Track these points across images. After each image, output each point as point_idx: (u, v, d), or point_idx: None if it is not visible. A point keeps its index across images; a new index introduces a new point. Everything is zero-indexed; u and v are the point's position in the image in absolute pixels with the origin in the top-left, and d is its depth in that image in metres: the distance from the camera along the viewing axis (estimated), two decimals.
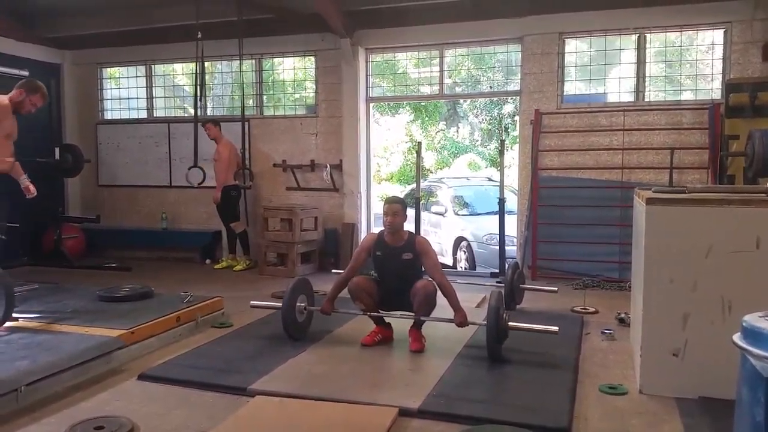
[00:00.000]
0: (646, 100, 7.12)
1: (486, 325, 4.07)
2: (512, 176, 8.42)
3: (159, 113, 9.23)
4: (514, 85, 7.75)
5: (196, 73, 7.78)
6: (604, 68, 7.35)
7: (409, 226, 4.84)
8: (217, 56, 8.52)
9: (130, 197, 9.18)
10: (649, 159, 6.95)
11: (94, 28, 8.67)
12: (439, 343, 4.47)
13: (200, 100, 8.07)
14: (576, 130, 7.19)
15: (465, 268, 8.88)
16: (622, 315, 5.15)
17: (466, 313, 4.32)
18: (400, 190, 16.10)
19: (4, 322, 4.38)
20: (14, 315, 4.58)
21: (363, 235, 7.90)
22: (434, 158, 18.56)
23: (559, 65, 7.24)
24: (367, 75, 8.16)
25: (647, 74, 7.13)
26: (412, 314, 4.40)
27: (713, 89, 6.92)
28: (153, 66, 9.17)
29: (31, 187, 4.94)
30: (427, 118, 18.22)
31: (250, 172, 8.15)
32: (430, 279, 4.40)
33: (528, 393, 3.56)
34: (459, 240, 9.22)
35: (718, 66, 6.85)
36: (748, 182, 5.10)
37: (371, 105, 8.42)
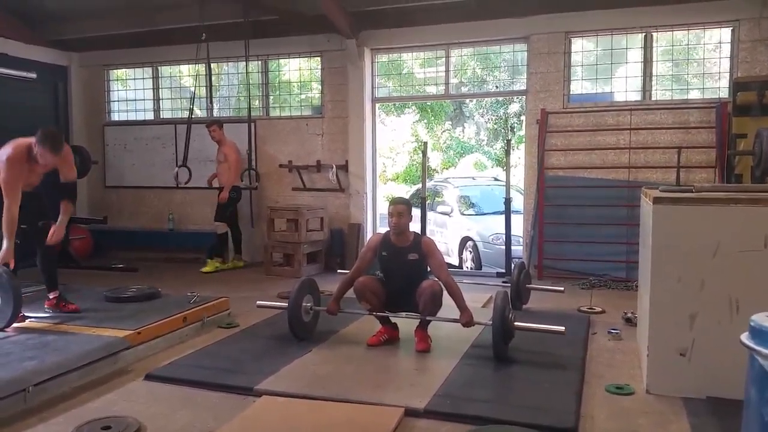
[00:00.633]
0: (653, 99, 7.08)
1: (492, 325, 4.06)
2: (518, 176, 8.43)
3: (165, 115, 9.26)
4: (520, 85, 7.73)
5: (200, 74, 7.81)
6: (610, 67, 7.31)
7: (414, 226, 4.84)
8: (223, 58, 8.54)
9: (137, 198, 9.22)
10: (656, 158, 6.92)
11: (101, 30, 8.72)
12: (444, 343, 4.46)
13: (210, 101, 8.12)
14: (582, 130, 7.17)
15: (471, 268, 8.87)
16: (629, 315, 5.13)
17: (472, 313, 4.31)
18: (406, 190, 16.11)
19: (12, 323, 4.41)
20: (24, 315, 4.62)
21: (369, 235, 7.91)
22: (440, 158, 18.54)
23: (566, 64, 7.21)
24: (372, 75, 8.16)
25: (654, 73, 7.09)
26: (418, 314, 4.40)
27: (720, 88, 6.87)
28: (159, 68, 9.21)
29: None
30: (432, 118, 18.20)
31: (256, 173, 8.16)
32: (435, 279, 4.39)
33: (534, 393, 3.55)
34: (465, 240, 9.21)
35: (726, 64, 6.81)
36: (755, 181, 5.08)
37: (377, 105, 8.42)
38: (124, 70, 9.63)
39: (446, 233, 9.75)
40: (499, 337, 4.02)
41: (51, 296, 4.95)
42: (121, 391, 3.69)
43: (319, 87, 8.39)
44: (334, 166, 8.09)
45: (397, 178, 18.61)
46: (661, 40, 7.09)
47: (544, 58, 7.25)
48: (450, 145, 18.86)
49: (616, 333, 4.75)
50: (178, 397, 3.58)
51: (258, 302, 5.03)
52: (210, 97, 8.33)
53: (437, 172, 17.62)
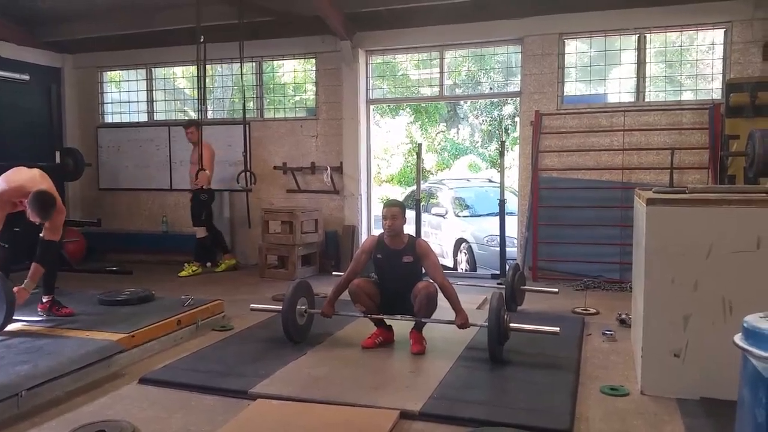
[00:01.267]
0: (647, 100, 7.11)
1: (487, 327, 4.07)
2: (513, 177, 8.42)
3: (159, 116, 9.24)
4: (515, 86, 7.75)
5: (194, 76, 7.78)
6: (604, 69, 7.34)
7: (409, 228, 4.84)
8: (217, 59, 8.52)
9: (131, 201, 9.20)
10: (649, 159, 6.94)
11: (95, 31, 8.68)
12: (440, 344, 4.46)
13: (204, 103, 8.08)
14: (576, 131, 7.19)
15: (466, 270, 8.88)
16: (623, 316, 5.14)
17: (468, 315, 4.31)
18: (400, 192, 16.10)
19: (5, 327, 4.38)
20: (15, 318, 4.59)
21: (363, 237, 7.91)
22: (434, 160, 18.55)
23: (560, 66, 7.24)
24: (367, 77, 8.17)
25: (647, 74, 7.12)
26: (413, 317, 4.40)
27: (713, 89, 6.91)
28: (153, 69, 9.18)
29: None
30: (426, 120, 18.21)
31: (253, 174, 8.15)
32: (430, 281, 4.39)
33: (529, 394, 3.55)
34: (460, 241, 9.22)
35: (719, 66, 6.85)
36: (748, 182, 5.09)
37: (371, 107, 8.42)
38: (117, 71, 9.60)
39: (441, 235, 9.76)
40: (495, 338, 4.03)
41: (45, 300, 4.94)
42: (114, 395, 3.67)
43: (314, 89, 8.38)
44: (329, 168, 8.09)
45: (392, 180, 18.61)
46: (655, 41, 7.12)
47: (538, 59, 7.27)
48: (444, 146, 18.87)
49: (611, 334, 4.76)
50: (172, 401, 3.56)
51: (252, 305, 5.02)
52: (204, 99, 8.30)
53: (432, 173, 17.63)
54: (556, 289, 5.96)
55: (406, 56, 8.48)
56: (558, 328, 4.19)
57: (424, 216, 8.65)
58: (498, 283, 6.54)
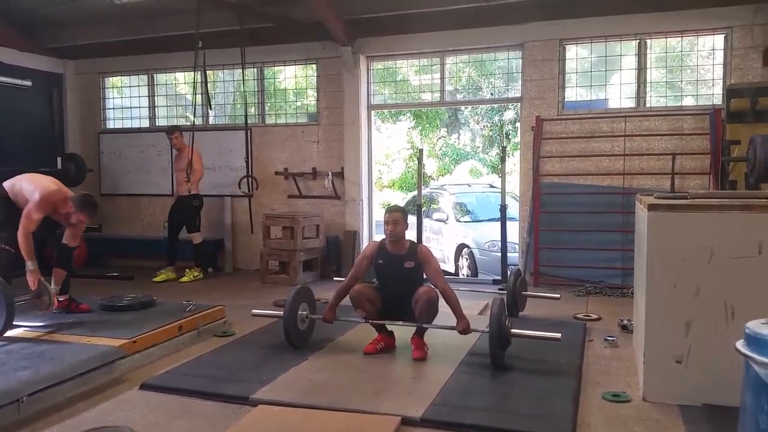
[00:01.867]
0: (647, 105, 7.12)
1: (489, 333, 4.06)
2: (514, 183, 8.43)
3: (161, 122, 9.25)
4: (515, 92, 7.76)
5: (196, 82, 7.79)
6: (605, 74, 7.35)
7: (410, 233, 4.84)
8: (219, 65, 8.56)
9: (133, 206, 9.20)
10: (650, 165, 6.94)
11: (96, 37, 8.73)
12: (441, 350, 4.46)
13: (209, 107, 8.09)
14: (577, 137, 7.20)
15: (467, 276, 8.87)
16: (625, 322, 5.13)
17: (469, 321, 4.31)
18: (401, 197, 16.12)
19: (5, 332, 4.39)
20: (16, 324, 4.59)
21: (365, 242, 7.91)
22: (436, 165, 18.57)
23: (560, 71, 7.25)
24: (368, 83, 8.18)
25: (648, 80, 7.14)
26: (414, 322, 4.40)
27: (714, 94, 6.91)
28: (155, 75, 9.21)
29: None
30: (427, 125, 18.24)
31: (255, 180, 8.15)
32: (432, 286, 4.39)
33: (531, 401, 3.54)
34: (461, 247, 9.21)
35: (719, 71, 6.86)
36: (749, 187, 5.09)
37: (372, 112, 8.44)
38: (119, 77, 9.64)
39: (442, 240, 9.76)
40: (496, 344, 4.02)
41: (61, 299, 5.11)
42: (116, 401, 3.67)
43: (315, 94, 8.40)
44: (330, 174, 8.10)
45: (393, 185, 18.63)
46: (655, 47, 7.13)
47: (538, 65, 7.28)
48: (445, 152, 18.89)
49: (613, 340, 4.75)
50: (173, 407, 3.56)
51: (253, 311, 5.01)
52: (209, 102, 8.33)
53: (433, 179, 17.64)
54: (558, 295, 5.96)
55: (406, 62, 8.51)
56: (560, 334, 4.19)
57: (425, 221, 8.65)
58: (499, 289, 6.55)
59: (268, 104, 8.79)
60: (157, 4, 7.79)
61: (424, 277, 4.49)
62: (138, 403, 3.64)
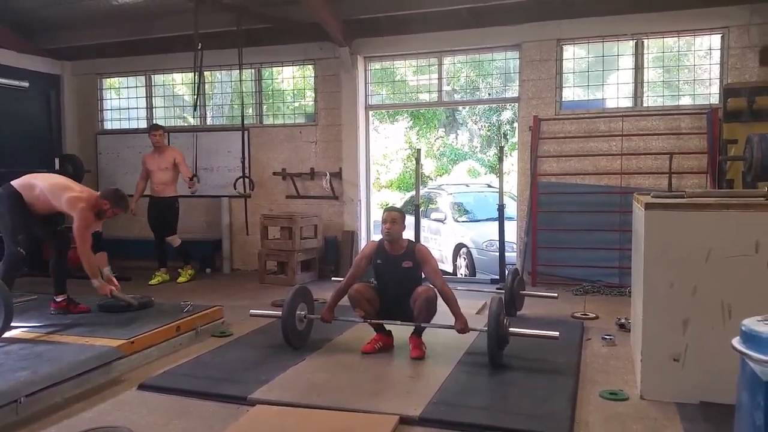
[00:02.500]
0: (645, 105, 7.13)
1: (487, 331, 4.07)
2: (511, 182, 8.44)
3: (159, 123, 9.22)
4: (513, 92, 7.77)
5: (194, 83, 7.77)
6: (602, 74, 7.36)
7: (408, 233, 4.85)
8: (216, 66, 8.55)
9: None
10: (648, 164, 6.96)
11: (94, 39, 8.70)
12: (439, 350, 4.46)
13: (196, 109, 8.05)
14: (575, 136, 7.21)
15: (465, 275, 8.88)
16: (623, 320, 5.14)
17: (467, 320, 4.31)
18: (399, 198, 16.12)
19: (3, 333, 4.38)
20: (14, 325, 4.59)
21: (363, 242, 7.91)
22: (434, 165, 18.57)
23: (558, 71, 7.26)
24: (366, 83, 8.19)
25: (645, 80, 7.15)
26: (413, 322, 4.40)
27: (711, 94, 6.93)
28: (153, 76, 9.20)
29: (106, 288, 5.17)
30: (425, 126, 18.25)
31: (251, 180, 8.16)
32: (430, 285, 4.40)
33: (529, 399, 3.55)
34: (459, 246, 9.21)
35: (716, 71, 6.87)
36: (747, 186, 5.10)
37: (370, 113, 8.44)
38: (117, 78, 9.63)
39: (440, 240, 9.76)
40: (494, 342, 4.03)
41: (59, 299, 5.15)
42: (114, 402, 3.67)
43: (313, 95, 8.40)
44: (328, 174, 8.10)
45: (391, 186, 18.62)
46: (652, 47, 7.15)
47: (536, 65, 7.29)
48: (443, 152, 18.89)
49: (610, 339, 4.76)
50: (171, 407, 3.56)
51: (251, 311, 5.01)
52: (203, 105, 8.33)
53: (431, 179, 17.64)
54: (556, 294, 5.97)
55: (404, 62, 8.51)
56: (557, 333, 4.20)
57: (423, 221, 8.65)
58: (497, 288, 6.56)
59: (266, 105, 8.79)
60: (154, 5, 7.79)
61: (423, 276, 4.50)
62: (136, 403, 3.64)
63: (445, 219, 9.83)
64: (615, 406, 3.51)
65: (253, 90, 8.64)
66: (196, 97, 7.61)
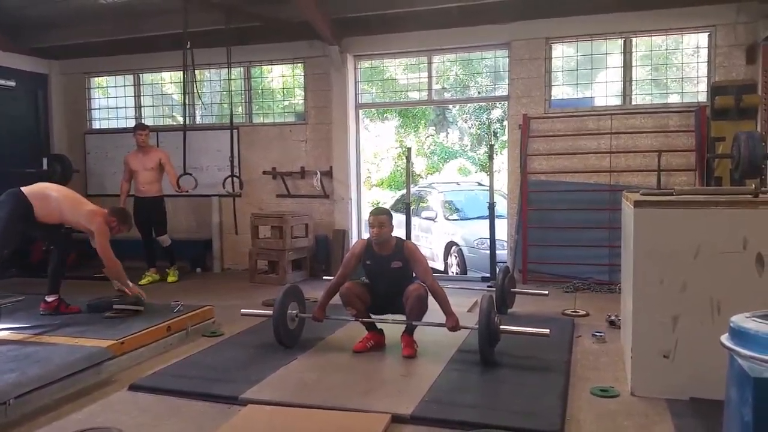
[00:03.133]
0: (633, 103, 7.17)
1: (478, 329, 4.07)
2: (502, 180, 8.45)
3: (147, 122, 9.12)
4: (502, 90, 7.79)
5: (184, 81, 7.72)
6: (590, 72, 7.40)
7: (399, 231, 4.84)
8: (205, 64, 8.51)
9: None
10: (636, 162, 7.00)
11: (82, 37, 8.63)
12: (431, 348, 4.47)
13: (200, 105, 8.00)
14: (564, 134, 7.24)
15: (456, 273, 8.89)
16: (613, 317, 5.17)
17: (458, 318, 4.32)
18: (390, 196, 16.11)
19: None
20: (1, 327, 4.56)
21: (354, 241, 7.89)
22: (424, 164, 18.59)
23: (547, 70, 7.29)
24: (356, 81, 8.18)
25: (634, 78, 7.19)
26: (404, 319, 4.41)
27: (699, 92, 6.98)
28: (141, 75, 9.15)
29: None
30: (414, 124, 18.25)
31: (240, 180, 8.13)
32: (421, 283, 4.40)
33: (520, 397, 3.56)
34: (450, 245, 9.23)
35: (704, 69, 6.92)
36: (734, 184, 5.15)
37: (360, 111, 8.43)
38: (105, 77, 9.56)
39: (431, 238, 9.77)
40: (485, 340, 4.04)
41: (50, 300, 5.14)
42: (104, 402, 3.64)
43: (302, 93, 8.39)
44: (319, 173, 8.09)
45: (382, 184, 18.61)
46: (640, 45, 7.19)
47: (525, 63, 7.31)
48: (434, 150, 18.92)
49: (600, 336, 4.79)
50: (162, 408, 3.54)
51: (242, 311, 5.00)
52: (192, 104, 8.28)
53: (421, 177, 17.66)
54: (546, 292, 6.00)
55: (394, 61, 8.50)
56: (548, 330, 4.21)
57: (414, 220, 8.65)
58: (488, 286, 6.57)
59: (256, 104, 8.76)
60: (142, 3, 7.72)
61: (414, 275, 4.50)
62: (126, 404, 3.62)
63: (435, 217, 9.84)
64: (606, 403, 3.53)
65: (243, 89, 8.61)
66: (196, 94, 7.58)
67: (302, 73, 8.35)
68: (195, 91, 8.08)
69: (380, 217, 4.38)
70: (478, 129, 18.71)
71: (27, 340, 4.38)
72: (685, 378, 3.47)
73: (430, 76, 7.99)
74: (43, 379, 3.61)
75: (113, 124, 9.38)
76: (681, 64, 7.22)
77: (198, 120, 9.07)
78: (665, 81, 7.37)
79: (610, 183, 7.03)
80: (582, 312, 5.69)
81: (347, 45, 7.88)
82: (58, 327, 4.72)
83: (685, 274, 3.48)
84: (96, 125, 9.44)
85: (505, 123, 8.30)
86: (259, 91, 8.88)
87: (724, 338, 1.97)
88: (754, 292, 3.31)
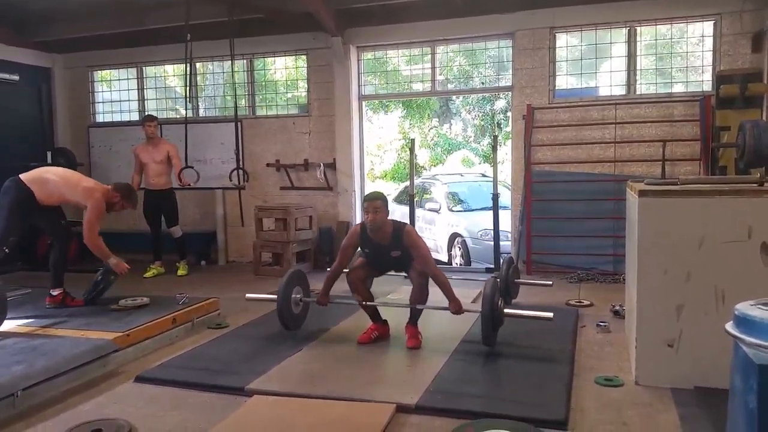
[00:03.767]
0: (638, 93, 7.13)
1: (481, 312, 4.06)
2: (506, 171, 8.46)
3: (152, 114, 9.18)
4: (506, 81, 7.76)
5: (187, 74, 7.71)
6: (595, 62, 7.35)
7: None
8: (208, 57, 8.51)
9: None
10: (641, 152, 6.97)
11: (85, 31, 8.63)
12: (435, 339, 4.48)
13: (189, 101, 7.98)
14: (568, 125, 7.21)
15: (460, 264, 8.90)
16: (617, 307, 5.17)
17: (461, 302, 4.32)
18: (394, 188, 16.08)
19: None
20: (9, 318, 4.59)
21: None
22: (428, 155, 18.56)
23: (551, 60, 7.25)
24: (359, 73, 8.16)
25: (638, 67, 7.15)
26: (407, 303, 4.43)
27: (704, 81, 6.94)
28: (144, 68, 9.14)
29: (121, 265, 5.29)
30: (418, 116, 18.21)
31: (245, 172, 8.12)
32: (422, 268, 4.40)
33: (525, 386, 3.57)
34: (454, 236, 9.23)
35: (709, 58, 6.88)
36: (739, 173, 5.12)
37: (363, 103, 8.42)
38: (108, 70, 9.56)
39: (435, 230, 9.77)
40: (489, 323, 4.03)
41: (55, 293, 5.17)
42: (111, 394, 3.67)
43: (306, 85, 8.37)
44: (322, 165, 8.09)
45: (385, 176, 18.60)
46: (645, 34, 7.14)
47: (529, 53, 7.28)
48: (437, 141, 18.88)
49: (605, 325, 4.79)
50: (168, 399, 3.57)
51: (247, 295, 5.04)
52: (194, 96, 8.26)
53: (425, 169, 17.63)
54: (550, 282, 5.98)
55: (397, 52, 8.48)
56: (551, 314, 4.21)
57: (418, 211, 8.66)
58: (492, 277, 6.56)
59: (259, 96, 8.75)
60: None
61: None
62: (132, 395, 3.64)
63: (439, 209, 9.84)
64: (610, 392, 3.54)
65: (246, 81, 8.60)
66: (187, 88, 7.55)
67: (305, 65, 8.33)
68: (187, 84, 8.00)
69: (375, 203, 4.28)
70: (482, 120, 18.65)
71: (34, 333, 4.41)
72: (690, 367, 3.48)
73: (433, 67, 7.96)
74: (50, 371, 3.64)
75: (117, 118, 9.38)
76: (686, 53, 7.17)
77: (201, 113, 9.07)
78: (670, 70, 7.32)
79: (614, 173, 7.00)
80: (586, 302, 5.69)
81: (350, 36, 7.86)
82: (64, 320, 4.75)
83: (690, 263, 3.48)
84: (100, 119, 9.45)
85: (509, 114, 8.27)
86: (263, 83, 8.86)
87: (729, 326, 1.97)
88: (758, 281, 3.31)
